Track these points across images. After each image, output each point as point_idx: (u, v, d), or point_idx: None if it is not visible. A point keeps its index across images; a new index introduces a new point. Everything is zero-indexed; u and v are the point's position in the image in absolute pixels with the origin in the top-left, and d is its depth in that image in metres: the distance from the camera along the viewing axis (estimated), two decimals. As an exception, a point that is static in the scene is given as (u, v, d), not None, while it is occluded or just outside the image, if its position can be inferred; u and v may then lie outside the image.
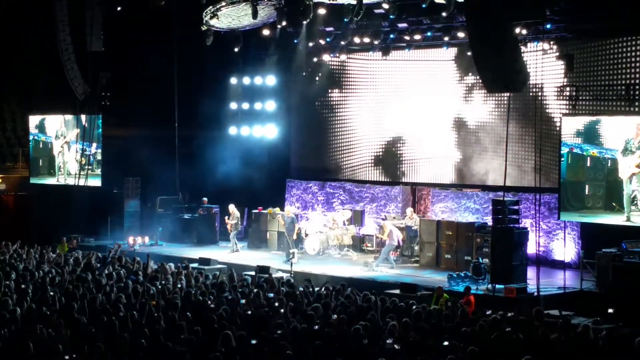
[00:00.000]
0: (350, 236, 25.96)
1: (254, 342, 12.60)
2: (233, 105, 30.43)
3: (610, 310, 16.67)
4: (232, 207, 26.78)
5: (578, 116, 22.19)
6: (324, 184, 29.07)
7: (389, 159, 27.70)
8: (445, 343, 12.66)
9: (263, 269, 21.91)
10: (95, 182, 29.49)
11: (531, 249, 21.25)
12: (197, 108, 29.72)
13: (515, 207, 21.09)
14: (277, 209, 27.15)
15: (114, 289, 17.19)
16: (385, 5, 22.19)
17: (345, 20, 23.79)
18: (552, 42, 22.78)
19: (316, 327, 13.76)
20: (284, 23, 23.44)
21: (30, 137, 31.77)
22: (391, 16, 22.94)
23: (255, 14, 22.61)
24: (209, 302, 16.01)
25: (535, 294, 19.48)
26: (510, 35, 19.18)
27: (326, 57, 28.12)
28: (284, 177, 29.93)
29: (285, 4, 22.66)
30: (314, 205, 29.03)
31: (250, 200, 28.45)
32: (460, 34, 23.64)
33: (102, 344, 12.03)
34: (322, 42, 26.68)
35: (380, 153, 27.94)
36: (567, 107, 23.05)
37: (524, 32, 22.42)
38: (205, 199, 28.70)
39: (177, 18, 26.15)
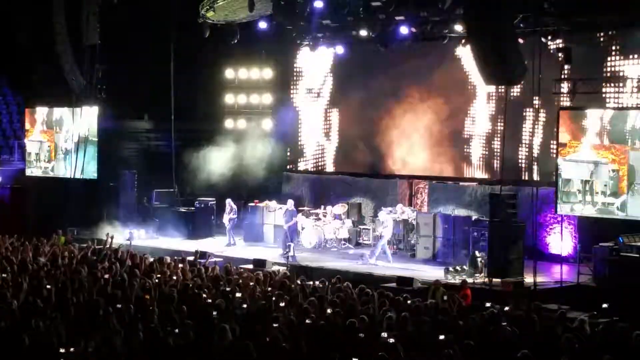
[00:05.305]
0: (347, 229, 25.91)
1: (249, 335, 12.55)
2: (229, 98, 30.35)
3: (604, 305, 16.65)
4: (228, 201, 26.73)
5: (575, 110, 22.12)
6: (321, 177, 29.01)
7: (386, 152, 27.63)
8: (442, 337, 12.62)
9: (259, 263, 21.88)
10: (91, 174, 29.34)
11: (528, 242, 21.22)
12: (193, 101, 29.62)
13: (512, 201, 21.05)
14: (274, 202, 27.11)
15: (109, 282, 17.13)
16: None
17: (343, 12, 23.72)
18: (549, 35, 22.69)
19: (312, 320, 13.71)
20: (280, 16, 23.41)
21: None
22: (389, 9, 22.90)
23: (251, 7, 22.56)
24: (205, 295, 15.96)
25: (532, 288, 19.46)
26: (508, 28, 19.16)
27: (323, 50, 28.05)
28: (280, 171, 29.88)
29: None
30: (310, 199, 28.97)
31: (246, 193, 28.35)
32: (458, 27, 23.56)
33: (97, 338, 11.99)
34: (319, 34, 26.59)
35: (377, 146, 27.86)
36: (565, 100, 22.97)
37: (522, 25, 22.35)
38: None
39: (174, 11, 26.06)
